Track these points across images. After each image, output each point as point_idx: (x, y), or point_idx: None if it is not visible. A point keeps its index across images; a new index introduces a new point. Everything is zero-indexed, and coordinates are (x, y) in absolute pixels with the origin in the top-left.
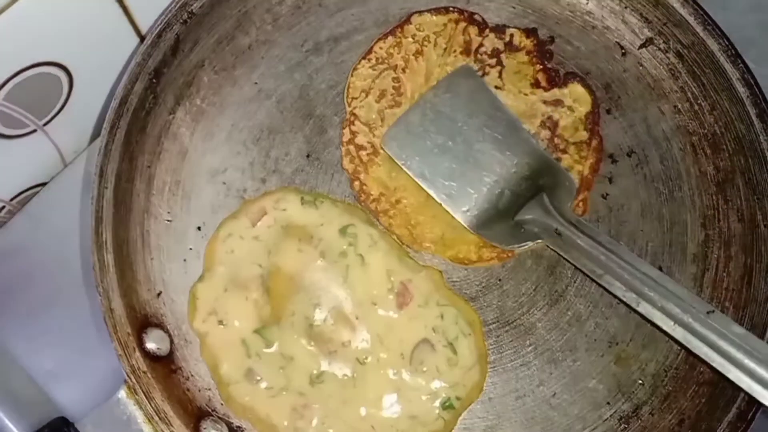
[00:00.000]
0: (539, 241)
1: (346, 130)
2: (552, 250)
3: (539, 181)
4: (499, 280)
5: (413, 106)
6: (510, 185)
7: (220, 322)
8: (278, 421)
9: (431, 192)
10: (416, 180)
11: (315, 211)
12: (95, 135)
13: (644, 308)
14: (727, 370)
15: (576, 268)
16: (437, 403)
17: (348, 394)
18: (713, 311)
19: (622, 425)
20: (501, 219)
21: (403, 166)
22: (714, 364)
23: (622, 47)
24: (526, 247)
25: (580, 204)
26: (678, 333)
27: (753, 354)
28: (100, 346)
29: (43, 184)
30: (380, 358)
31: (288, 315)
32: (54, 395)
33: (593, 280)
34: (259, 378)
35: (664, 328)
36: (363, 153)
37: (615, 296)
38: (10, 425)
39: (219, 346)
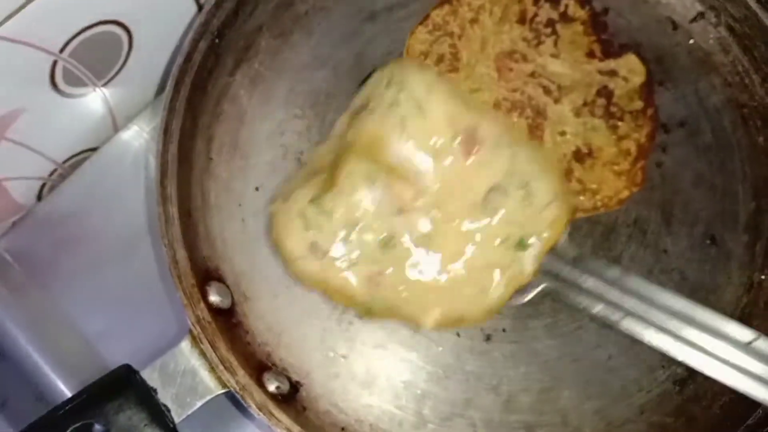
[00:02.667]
0: (542, 286)
1: None
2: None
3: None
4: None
5: None
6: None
7: (284, 198)
8: (354, 291)
9: None
10: None
11: None
12: (148, 102)
13: (677, 350)
14: None
15: (590, 317)
16: (512, 245)
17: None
18: (757, 338)
19: (677, 388)
20: None
21: None
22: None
23: (673, 21)
24: (530, 296)
25: (638, 172)
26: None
27: None
28: (157, 306)
29: (94, 150)
30: (450, 210)
31: (344, 178)
32: (108, 354)
33: (612, 326)
34: (325, 250)
35: (705, 371)
36: None
37: (635, 338)
38: (60, 383)
39: (282, 224)
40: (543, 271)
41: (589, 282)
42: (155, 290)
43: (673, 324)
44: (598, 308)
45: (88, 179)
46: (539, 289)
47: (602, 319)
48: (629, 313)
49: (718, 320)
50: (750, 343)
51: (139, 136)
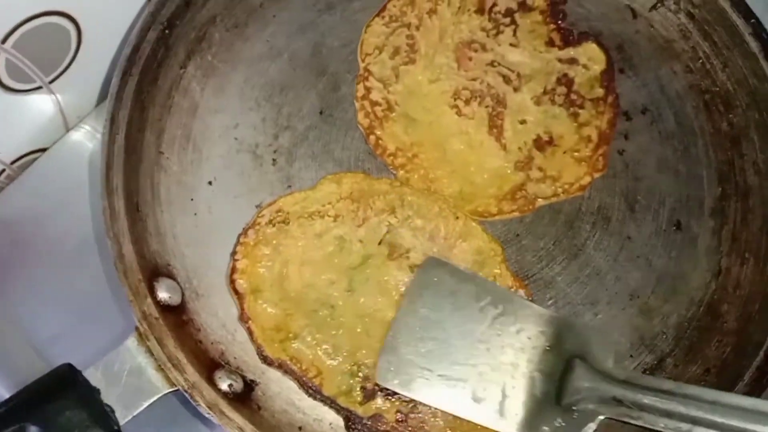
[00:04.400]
0: (601, 418)
1: (360, 86)
2: (619, 420)
3: (565, 347)
4: (517, 234)
5: (393, 326)
6: (537, 366)
7: None
8: None
9: (461, 414)
10: (436, 407)
11: None
12: (100, 100)
13: None
14: None
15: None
16: None
17: None
18: None
19: None
20: (548, 411)
21: (416, 398)
22: None
23: (632, 9)
24: (592, 428)
25: (600, 158)
26: None
27: None
28: (106, 308)
29: (44, 150)
30: None
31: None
32: (58, 355)
33: None
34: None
35: None
36: (378, 108)
37: None
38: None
39: None
40: (598, 400)
41: (647, 399)
42: (106, 291)
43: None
44: (663, 423)
45: (38, 180)
46: (599, 419)
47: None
48: (696, 422)
49: None
50: None
51: (92, 137)
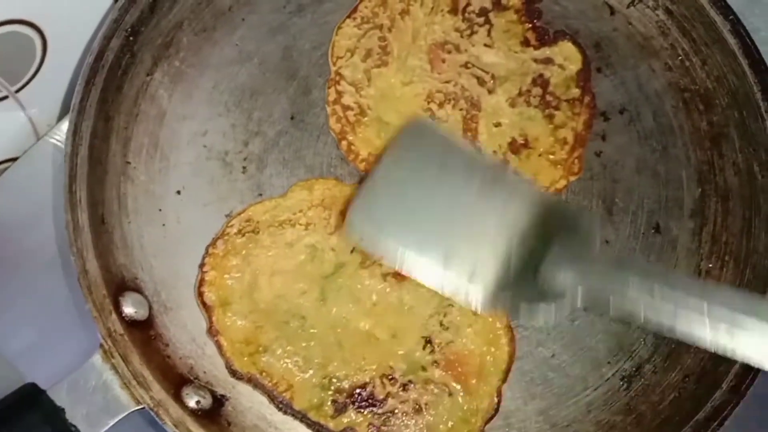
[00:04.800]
0: (577, 301)
1: (332, 90)
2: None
3: (551, 229)
4: None
5: (371, 178)
6: (518, 241)
7: None
8: None
9: (426, 280)
10: (398, 269)
11: None
12: (68, 108)
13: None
14: None
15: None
16: None
17: None
18: None
19: (625, 384)
20: (521, 287)
21: (378, 253)
22: None
23: (610, 6)
24: (568, 311)
25: (575, 161)
26: None
27: None
28: (76, 323)
29: (14, 159)
30: None
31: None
32: (27, 371)
33: (664, 333)
34: None
35: None
36: (350, 113)
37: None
38: None
39: None
40: (576, 281)
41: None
42: (78, 304)
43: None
44: (644, 305)
45: (7, 191)
46: (576, 300)
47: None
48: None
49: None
50: None
51: (62, 146)
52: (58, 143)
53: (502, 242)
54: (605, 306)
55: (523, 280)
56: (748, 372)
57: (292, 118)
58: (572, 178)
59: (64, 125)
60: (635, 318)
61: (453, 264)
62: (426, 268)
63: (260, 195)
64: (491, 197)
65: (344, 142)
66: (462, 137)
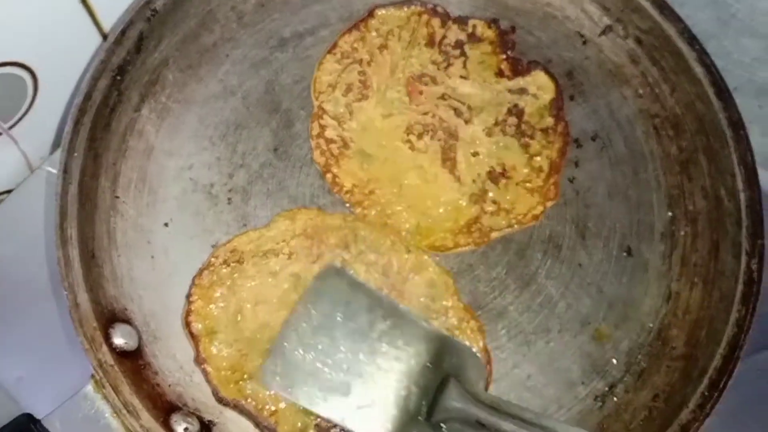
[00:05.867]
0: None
1: (315, 124)
2: None
3: (444, 367)
4: (470, 265)
5: (284, 328)
6: (414, 381)
7: None
8: None
9: (332, 418)
10: (309, 409)
11: None
12: (59, 143)
13: None
14: None
15: None
16: None
17: None
18: None
19: (598, 403)
20: (417, 425)
21: (290, 398)
22: None
23: (582, 36)
24: None
25: (552, 187)
26: None
27: None
28: (70, 352)
29: (9, 192)
30: None
31: None
32: (22, 401)
33: None
34: None
35: None
36: (333, 146)
37: None
38: None
39: None
40: (464, 421)
41: (506, 425)
42: (70, 335)
43: None
44: None
45: (3, 222)
46: None
47: None
48: None
49: None
50: None
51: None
52: (51, 172)
53: (403, 379)
54: None
55: (419, 418)
56: (714, 389)
57: (275, 150)
58: (549, 204)
59: (57, 157)
60: None
61: (358, 405)
62: (334, 411)
63: (245, 225)
64: (392, 338)
65: (329, 175)
66: (441, 167)
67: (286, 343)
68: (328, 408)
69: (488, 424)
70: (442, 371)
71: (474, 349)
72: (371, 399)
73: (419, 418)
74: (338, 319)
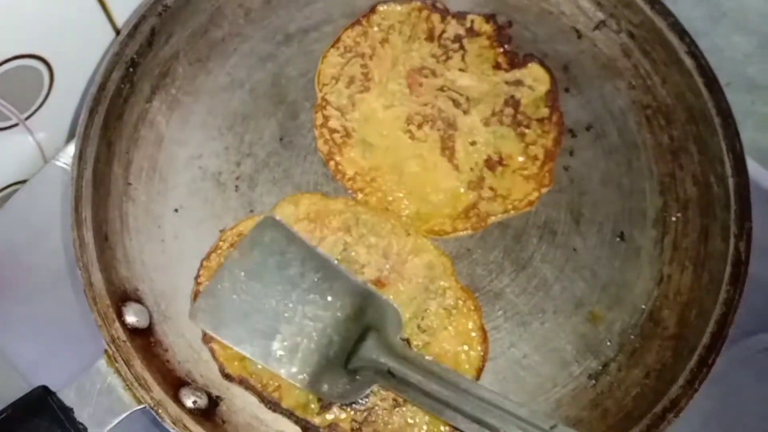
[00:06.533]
0: (375, 386)
1: (319, 114)
2: (391, 389)
3: (365, 319)
4: (468, 249)
5: (218, 271)
6: (337, 330)
7: None
8: None
9: (255, 358)
10: (236, 348)
11: None
12: (73, 134)
13: None
14: None
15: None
16: None
17: None
18: (555, 426)
19: (592, 381)
20: (335, 371)
21: (217, 336)
22: None
23: (577, 30)
24: (366, 392)
25: (546, 174)
26: None
27: None
28: (84, 329)
29: (24, 182)
30: None
31: None
32: (40, 374)
33: (435, 416)
34: None
35: None
36: (336, 135)
37: (458, 430)
38: None
39: None
40: (377, 370)
41: (414, 377)
42: (81, 315)
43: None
44: (421, 400)
45: (18, 212)
46: (374, 387)
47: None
48: (447, 405)
49: (522, 410)
50: (551, 428)
51: (68, 169)
52: (65, 166)
53: (327, 328)
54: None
55: (338, 366)
56: (703, 365)
57: (281, 139)
58: (544, 190)
59: (70, 149)
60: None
61: (279, 349)
62: (257, 352)
63: (251, 211)
64: (321, 289)
65: (332, 162)
66: (440, 155)
67: (219, 285)
68: (252, 349)
69: (398, 374)
70: (363, 323)
71: (395, 305)
72: (295, 344)
73: (337, 365)
74: (271, 267)
